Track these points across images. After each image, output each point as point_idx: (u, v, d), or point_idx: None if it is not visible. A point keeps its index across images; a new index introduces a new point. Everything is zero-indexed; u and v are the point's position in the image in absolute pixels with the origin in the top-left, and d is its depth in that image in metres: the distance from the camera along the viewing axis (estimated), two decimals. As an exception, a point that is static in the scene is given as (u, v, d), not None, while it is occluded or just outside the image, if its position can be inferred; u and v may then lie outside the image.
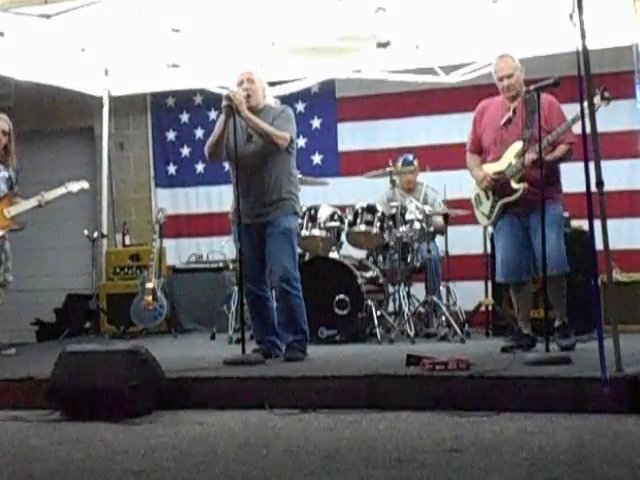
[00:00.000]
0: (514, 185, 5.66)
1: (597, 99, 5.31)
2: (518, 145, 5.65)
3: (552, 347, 5.50)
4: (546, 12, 6.42)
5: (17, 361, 6.71)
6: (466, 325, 7.08)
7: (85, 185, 7.42)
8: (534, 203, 5.39)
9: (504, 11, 6.53)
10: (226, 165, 6.20)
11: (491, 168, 5.79)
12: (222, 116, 5.75)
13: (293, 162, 5.92)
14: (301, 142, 8.55)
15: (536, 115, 5.29)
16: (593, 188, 4.53)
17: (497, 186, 5.76)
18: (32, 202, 7.07)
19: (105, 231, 9.14)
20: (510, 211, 5.75)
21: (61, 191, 7.22)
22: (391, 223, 7.18)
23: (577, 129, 5.47)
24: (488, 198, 5.85)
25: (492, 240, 7.23)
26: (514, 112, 5.73)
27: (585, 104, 4.81)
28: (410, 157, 7.87)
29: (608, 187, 4.62)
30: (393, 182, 7.44)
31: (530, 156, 5.49)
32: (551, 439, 3.83)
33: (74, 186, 7.31)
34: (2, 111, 7.18)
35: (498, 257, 5.91)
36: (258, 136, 5.72)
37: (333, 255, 7.28)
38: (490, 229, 7.01)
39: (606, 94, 5.34)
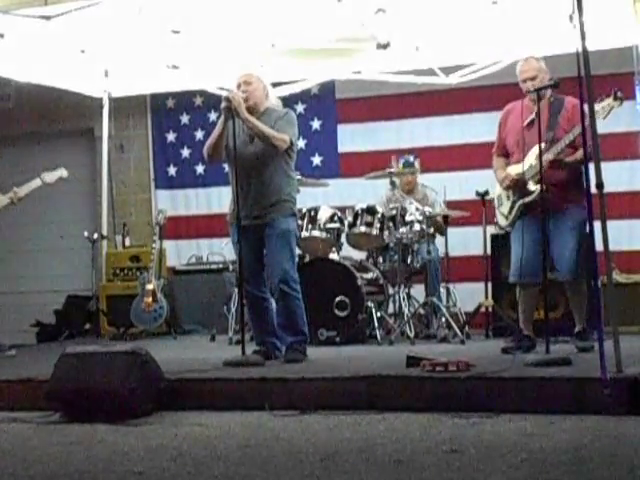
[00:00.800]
0: (531, 186, 5.65)
1: (610, 100, 5.33)
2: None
3: (570, 348, 5.63)
4: (546, 13, 6.42)
5: (17, 362, 6.70)
6: (466, 326, 7.08)
7: (64, 173, 7.02)
8: (554, 206, 5.39)
9: (504, 12, 6.52)
10: (226, 166, 6.20)
11: (514, 169, 5.78)
12: (221, 118, 5.76)
13: (292, 165, 5.92)
14: (301, 143, 8.54)
15: (559, 117, 5.29)
16: (593, 189, 4.53)
17: (517, 187, 5.76)
18: (3, 200, 6.77)
19: (105, 232, 9.13)
20: (529, 213, 5.70)
21: (36, 184, 6.83)
22: (391, 224, 7.18)
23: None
24: (508, 199, 5.85)
25: (492, 241, 7.26)
26: (537, 114, 5.70)
27: (593, 105, 4.83)
28: (411, 158, 7.85)
29: (608, 188, 4.61)
30: (393, 183, 7.45)
31: (547, 156, 5.48)
32: (551, 440, 3.83)
33: (50, 176, 6.91)
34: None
35: (513, 257, 5.86)
36: (257, 138, 5.73)
37: (333, 256, 7.27)
38: (490, 230, 7.03)
39: (619, 94, 5.35)
